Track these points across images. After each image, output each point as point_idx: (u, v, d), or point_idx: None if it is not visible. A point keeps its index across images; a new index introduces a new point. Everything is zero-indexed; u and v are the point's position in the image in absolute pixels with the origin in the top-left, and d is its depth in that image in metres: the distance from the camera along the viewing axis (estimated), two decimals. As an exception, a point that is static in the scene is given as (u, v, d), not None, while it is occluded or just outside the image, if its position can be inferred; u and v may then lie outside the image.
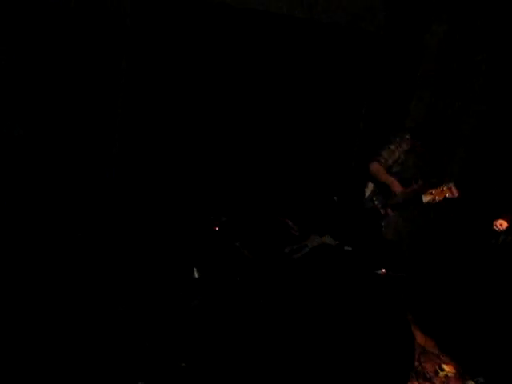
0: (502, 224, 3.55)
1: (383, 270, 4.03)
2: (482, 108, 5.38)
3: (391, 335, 3.43)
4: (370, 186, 4.27)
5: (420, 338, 4.34)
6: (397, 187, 4.10)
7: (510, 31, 5.03)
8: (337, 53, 4.90)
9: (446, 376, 3.90)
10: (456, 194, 4.01)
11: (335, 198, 4.30)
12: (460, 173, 5.51)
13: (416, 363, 3.97)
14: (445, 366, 3.98)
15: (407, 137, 4.19)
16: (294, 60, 4.81)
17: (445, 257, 5.19)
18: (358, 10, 4.78)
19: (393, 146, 4.15)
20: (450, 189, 4.04)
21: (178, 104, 4.63)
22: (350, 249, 3.92)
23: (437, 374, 3.91)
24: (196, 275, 3.81)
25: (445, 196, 4.01)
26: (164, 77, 4.51)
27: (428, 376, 3.87)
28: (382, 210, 4.20)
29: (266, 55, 4.71)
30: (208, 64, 4.61)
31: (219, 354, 3.25)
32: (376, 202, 4.23)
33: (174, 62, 4.50)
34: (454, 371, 3.96)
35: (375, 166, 4.12)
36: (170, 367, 3.17)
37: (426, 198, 4.00)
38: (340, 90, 5.03)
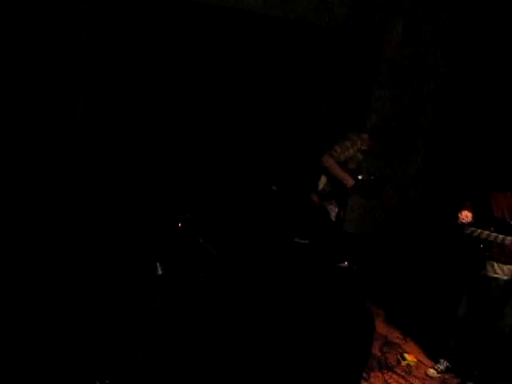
0: (467, 216, 3.62)
1: (345, 263, 4.08)
2: (440, 107, 5.55)
3: (349, 325, 3.48)
4: (323, 179, 4.32)
5: (383, 329, 4.42)
6: (348, 181, 4.14)
7: (471, 30, 5.18)
8: (292, 48, 4.92)
9: (408, 365, 3.99)
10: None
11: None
12: (421, 171, 5.69)
13: (379, 353, 4.05)
14: (406, 356, 4.07)
15: (365, 136, 4.27)
16: (251, 55, 4.81)
17: (406, 249, 5.32)
18: (315, 4, 4.82)
19: (348, 143, 4.21)
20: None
21: (137, 98, 4.58)
22: (306, 242, 3.96)
23: (399, 363, 4.00)
24: (159, 271, 3.78)
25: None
26: (121, 71, 4.47)
27: (390, 365, 3.94)
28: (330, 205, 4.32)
29: (220, 51, 4.70)
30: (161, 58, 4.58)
31: (182, 354, 3.25)
32: (328, 194, 4.30)
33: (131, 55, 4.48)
34: (415, 360, 4.05)
35: (327, 159, 4.14)
36: (132, 367, 3.15)
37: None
38: (299, 86, 5.06)
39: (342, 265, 4.07)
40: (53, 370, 2.98)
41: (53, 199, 4.40)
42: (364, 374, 3.64)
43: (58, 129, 4.36)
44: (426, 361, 4.09)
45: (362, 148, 4.25)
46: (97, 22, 4.25)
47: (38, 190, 4.35)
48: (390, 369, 3.90)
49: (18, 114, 4.18)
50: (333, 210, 4.35)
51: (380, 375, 3.79)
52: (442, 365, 3.93)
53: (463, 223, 3.61)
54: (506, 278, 3.62)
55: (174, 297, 3.64)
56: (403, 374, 3.87)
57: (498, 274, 3.63)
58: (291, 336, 3.28)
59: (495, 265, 3.63)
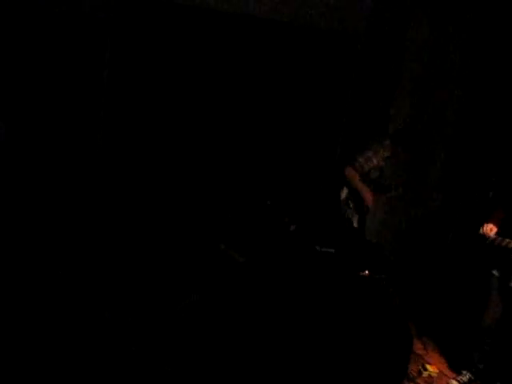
0: (491, 229, 3.57)
1: (366, 272, 4.06)
2: (462, 111, 5.48)
3: (383, 336, 3.45)
4: (345, 190, 4.34)
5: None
6: (367, 197, 4.20)
7: (490, 40, 5.13)
8: (316, 54, 4.94)
9: (430, 376, 3.93)
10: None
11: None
12: (441, 178, 5.61)
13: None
14: (428, 366, 4.01)
15: (387, 143, 4.25)
16: (271, 62, 4.86)
17: (430, 258, 5.25)
18: (339, 11, 4.84)
19: (370, 153, 4.21)
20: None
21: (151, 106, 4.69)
22: (331, 251, 3.95)
23: (420, 374, 3.94)
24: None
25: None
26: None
27: (412, 376, 3.90)
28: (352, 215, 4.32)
29: (243, 58, 4.76)
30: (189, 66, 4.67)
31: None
32: (351, 205, 4.33)
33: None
34: (437, 371, 3.99)
35: (350, 172, 4.19)
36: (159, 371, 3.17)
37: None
38: (320, 92, 5.07)
39: (363, 273, 4.05)
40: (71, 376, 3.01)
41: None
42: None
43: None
44: (448, 372, 4.03)
45: (385, 155, 4.24)
46: (120, 31, 4.37)
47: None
48: (412, 380, 3.85)
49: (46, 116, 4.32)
50: (354, 219, 4.36)
51: (401, 386, 3.75)
52: (465, 376, 3.87)
53: (485, 236, 3.56)
54: None
55: (199, 305, 3.67)
56: (425, 385, 3.84)
57: None
58: (320, 347, 3.27)
59: None
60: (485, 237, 3.58)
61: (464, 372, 3.90)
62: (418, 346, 4.34)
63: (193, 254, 4.24)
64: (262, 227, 4.30)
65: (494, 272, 3.68)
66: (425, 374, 3.94)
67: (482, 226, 3.59)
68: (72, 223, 4.36)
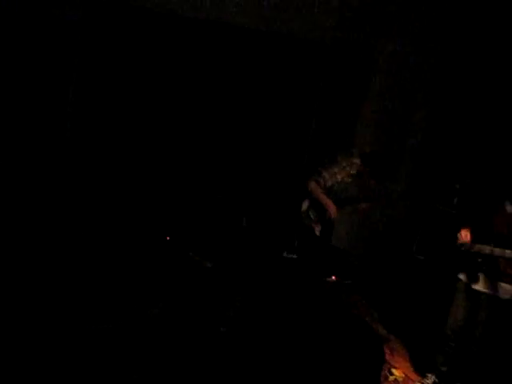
0: (466, 235, 3.65)
1: (333, 277, 4.11)
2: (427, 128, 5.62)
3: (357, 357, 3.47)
4: (307, 201, 4.47)
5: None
6: (332, 210, 4.30)
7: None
8: (276, 62, 5.00)
9: (396, 380, 3.97)
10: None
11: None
12: (405, 191, 5.73)
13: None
14: (394, 371, 4.06)
15: (356, 161, 4.39)
16: (240, 68, 4.90)
17: (394, 265, 5.33)
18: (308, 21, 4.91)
19: (336, 169, 4.36)
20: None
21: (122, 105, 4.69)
22: (293, 256, 4.00)
23: (386, 378, 3.98)
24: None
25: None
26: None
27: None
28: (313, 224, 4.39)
29: (213, 64, 4.80)
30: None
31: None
32: (311, 216, 4.43)
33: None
34: (403, 375, 4.04)
35: (313, 185, 4.33)
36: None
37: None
38: (286, 103, 5.13)
39: (329, 279, 4.09)
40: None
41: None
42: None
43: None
44: (413, 376, 4.07)
45: (351, 172, 4.37)
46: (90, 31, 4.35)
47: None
48: (378, 384, 3.89)
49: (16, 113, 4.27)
50: (316, 228, 4.43)
51: (368, 390, 3.77)
52: (430, 379, 3.92)
53: (461, 243, 3.64)
54: (505, 297, 3.58)
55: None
56: (391, 389, 3.87)
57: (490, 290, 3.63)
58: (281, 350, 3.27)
59: (500, 284, 3.59)
60: (458, 243, 3.66)
61: (429, 375, 3.95)
62: (385, 351, 4.39)
63: (159, 258, 4.19)
64: (225, 232, 4.31)
65: (461, 276, 3.76)
66: (391, 378, 3.98)
67: (459, 232, 3.65)
68: (37, 216, 4.28)
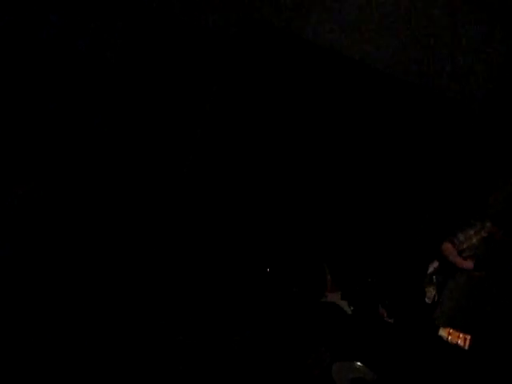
0: None
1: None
2: None
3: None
4: (435, 263, 4.26)
5: None
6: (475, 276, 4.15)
7: None
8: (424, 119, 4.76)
9: None
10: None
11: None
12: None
13: None
14: None
15: (488, 224, 4.19)
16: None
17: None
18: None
19: (471, 231, 4.16)
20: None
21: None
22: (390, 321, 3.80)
23: None
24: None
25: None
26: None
27: None
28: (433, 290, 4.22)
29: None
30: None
31: None
32: (434, 281, 4.23)
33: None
34: None
35: (448, 246, 4.12)
36: None
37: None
38: (425, 162, 4.86)
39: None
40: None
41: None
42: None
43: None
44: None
45: (483, 236, 4.17)
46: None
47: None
48: None
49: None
50: (430, 294, 4.26)
51: None
52: None
53: None
54: None
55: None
56: None
57: None
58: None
59: None
60: None
61: None
62: None
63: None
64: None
65: None
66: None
67: None
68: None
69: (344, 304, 4.03)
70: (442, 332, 3.95)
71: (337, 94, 4.60)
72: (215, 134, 4.52)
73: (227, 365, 3.28)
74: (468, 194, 4.98)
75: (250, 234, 4.56)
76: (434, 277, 4.24)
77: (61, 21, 4.04)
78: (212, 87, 4.39)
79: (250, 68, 4.44)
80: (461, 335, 3.91)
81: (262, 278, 4.23)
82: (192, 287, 3.90)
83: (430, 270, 4.26)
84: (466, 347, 3.89)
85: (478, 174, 5.02)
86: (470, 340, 3.91)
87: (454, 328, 3.99)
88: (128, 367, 2.99)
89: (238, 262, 4.31)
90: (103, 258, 3.82)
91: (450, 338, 3.92)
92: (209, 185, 4.56)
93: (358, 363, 3.50)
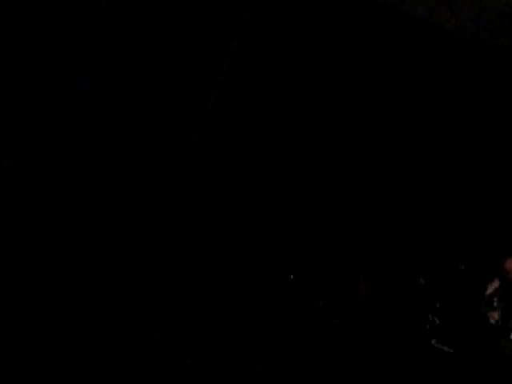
0: None
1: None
2: None
3: None
4: (495, 283, 3.72)
5: None
6: None
7: None
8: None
9: None
10: None
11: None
12: None
13: None
14: None
15: None
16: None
17: None
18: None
19: None
20: None
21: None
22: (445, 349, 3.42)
23: None
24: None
25: None
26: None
27: None
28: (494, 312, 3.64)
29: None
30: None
31: None
32: (495, 304, 3.66)
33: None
34: None
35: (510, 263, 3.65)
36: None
37: None
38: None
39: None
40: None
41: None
42: None
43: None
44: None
45: None
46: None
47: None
48: None
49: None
50: (492, 318, 3.66)
51: None
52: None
53: None
54: None
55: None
56: None
57: None
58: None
59: None
60: None
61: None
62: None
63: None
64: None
65: None
66: None
67: None
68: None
69: None
70: None
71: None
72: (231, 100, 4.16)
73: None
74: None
75: (269, 236, 4.17)
76: (496, 300, 3.68)
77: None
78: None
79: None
80: None
81: (285, 285, 3.81)
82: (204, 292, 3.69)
83: (490, 290, 3.74)
84: None
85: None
86: None
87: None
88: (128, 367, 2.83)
89: (255, 267, 3.99)
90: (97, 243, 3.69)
91: None
92: (220, 157, 4.20)
93: None
